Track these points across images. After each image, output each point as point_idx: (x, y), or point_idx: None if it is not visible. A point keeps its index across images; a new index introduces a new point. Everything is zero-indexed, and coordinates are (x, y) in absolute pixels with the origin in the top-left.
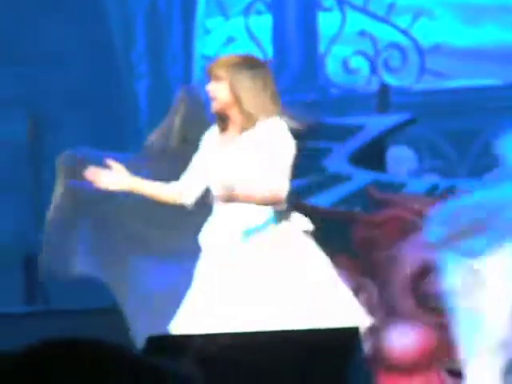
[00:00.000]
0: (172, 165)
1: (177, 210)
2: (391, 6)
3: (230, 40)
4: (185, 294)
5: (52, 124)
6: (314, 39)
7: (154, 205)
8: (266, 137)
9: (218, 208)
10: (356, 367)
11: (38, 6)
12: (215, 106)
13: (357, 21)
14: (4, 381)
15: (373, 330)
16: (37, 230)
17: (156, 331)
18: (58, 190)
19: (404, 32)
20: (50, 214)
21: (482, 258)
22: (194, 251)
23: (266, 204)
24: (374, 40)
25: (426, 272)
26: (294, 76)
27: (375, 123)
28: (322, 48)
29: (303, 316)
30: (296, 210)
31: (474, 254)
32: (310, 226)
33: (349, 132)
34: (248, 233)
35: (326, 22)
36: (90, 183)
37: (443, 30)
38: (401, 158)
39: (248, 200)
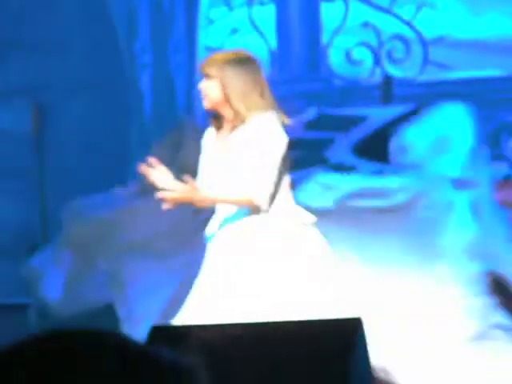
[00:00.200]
0: None
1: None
2: None
3: (234, 31)
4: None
5: (56, 113)
6: (317, 30)
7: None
8: (254, 134)
9: (220, 205)
10: (359, 357)
11: None
12: (207, 104)
13: (360, 12)
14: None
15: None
16: (40, 218)
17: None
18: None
19: (407, 23)
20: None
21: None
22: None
23: (242, 207)
24: (377, 31)
25: None
26: (297, 67)
27: (378, 114)
28: (325, 39)
29: (299, 307)
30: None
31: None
32: (313, 219)
33: (352, 123)
34: (226, 221)
35: (330, 13)
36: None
37: (447, 20)
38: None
39: (225, 203)
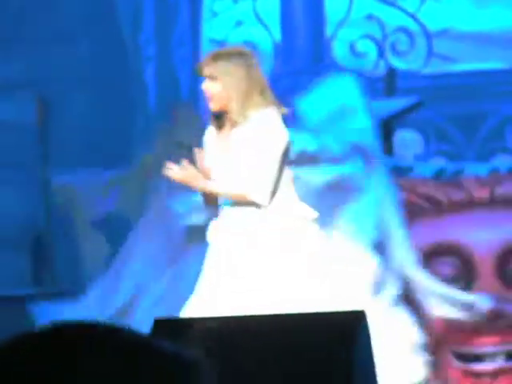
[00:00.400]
0: None
1: None
2: None
3: (238, 23)
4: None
5: (60, 105)
6: (321, 23)
7: None
8: (255, 131)
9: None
10: (363, 350)
11: None
12: (214, 106)
13: (364, 4)
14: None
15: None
16: (44, 210)
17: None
18: None
19: (412, 16)
20: None
21: None
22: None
23: (242, 202)
24: (381, 24)
25: (433, 255)
26: (301, 59)
27: (382, 107)
28: (329, 31)
29: (297, 303)
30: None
31: None
32: (314, 215)
33: None
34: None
35: (334, 6)
36: None
37: (451, 13)
38: (408, 142)
39: (225, 196)
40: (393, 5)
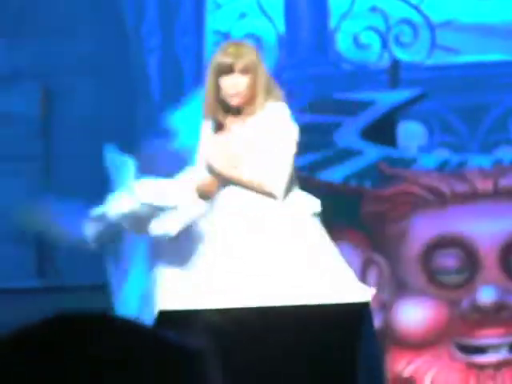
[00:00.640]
0: None
1: None
2: None
3: (242, 15)
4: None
5: (64, 97)
6: (324, 14)
7: None
8: (270, 123)
9: (221, 193)
10: (366, 341)
11: None
12: (238, 102)
13: None
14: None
15: (383, 305)
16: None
17: None
18: None
19: (415, 7)
20: None
21: None
22: None
23: (255, 192)
24: (385, 16)
25: (437, 247)
26: (305, 51)
27: (386, 98)
28: (332, 23)
29: (304, 292)
30: (307, 184)
31: None
32: (318, 208)
33: (360, 107)
34: None
35: None
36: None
37: (454, 5)
38: (411, 133)
39: (239, 185)
40: None
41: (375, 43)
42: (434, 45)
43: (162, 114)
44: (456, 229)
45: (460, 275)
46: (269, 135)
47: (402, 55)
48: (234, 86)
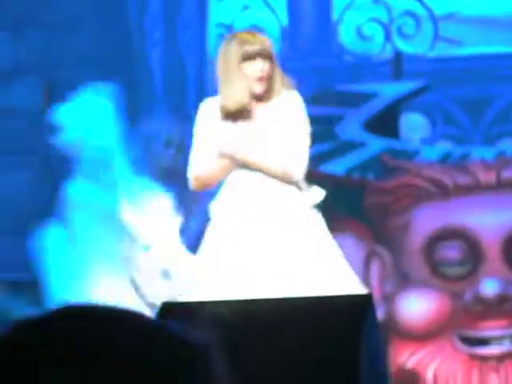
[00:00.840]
0: None
1: None
2: None
3: (245, 7)
4: None
5: (66, 90)
6: (327, 6)
7: None
8: (288, 108)
9: (230, 179)
10: (369, 333)
11: None
12: (263, 88)
13: None
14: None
15: (386, 297)
16: (50, 195)
17: None
18: None
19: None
20: None
21: None
22: None
23: (276, 179)
24: (388, 7)
25: (439, 239)
26: (307, 43)
27: (389, 90)
28: (335, 15)
29: (304, 285)
30: (310, 176)
31: None
32: (319, 198)
33: (362, 99)
34: None
35: None
36: None
37: None
38: (414, 125)
39: (260, 170)
40: None
41: (378, 35)
42: (436, 37)
43: (164, 107)
44: (459, 221)
45: (463, 267)
46: (288, 120)
47: (404, 47)
48: (261, 70)
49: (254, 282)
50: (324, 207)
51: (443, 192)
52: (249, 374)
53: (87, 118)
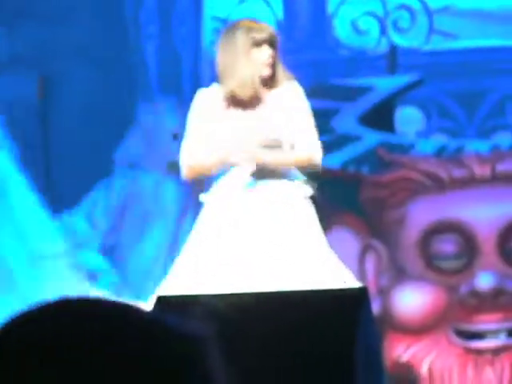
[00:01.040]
0: None
1: None
2: None
3: (241, 1)
4: None
5: (61, 83)
6: (322, 0)
7: None
8: (294, 97)
9: (224, 172)
10: (365, 327)
11: None
12: (270, 72)
13: None
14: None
15: (382, 291)
16: (46, 188)
17: None
18: None
19: None
20: None
21: None
22: None
23: (300, 168)
24: (383, 1)
25: (435, 232)
26: (303, 37)
27: (384, 84)
28: (330, 9)
29: (294, 278)
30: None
31: None
32: (310, 192)
33: (358, 93)
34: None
35: None
36: None
37: None
38: (409, 119)
39: (282, 164)
40: None
41: (373, 29)
42: (431, 30)
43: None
44: (454, 214)
45: (458, 260)
46: (294, 108)
47: (400, 41)
48: (269, 56)
49: (247, 276)
50: (320, 201)
51: (439, 185)
52: (244, 368)
53: None
